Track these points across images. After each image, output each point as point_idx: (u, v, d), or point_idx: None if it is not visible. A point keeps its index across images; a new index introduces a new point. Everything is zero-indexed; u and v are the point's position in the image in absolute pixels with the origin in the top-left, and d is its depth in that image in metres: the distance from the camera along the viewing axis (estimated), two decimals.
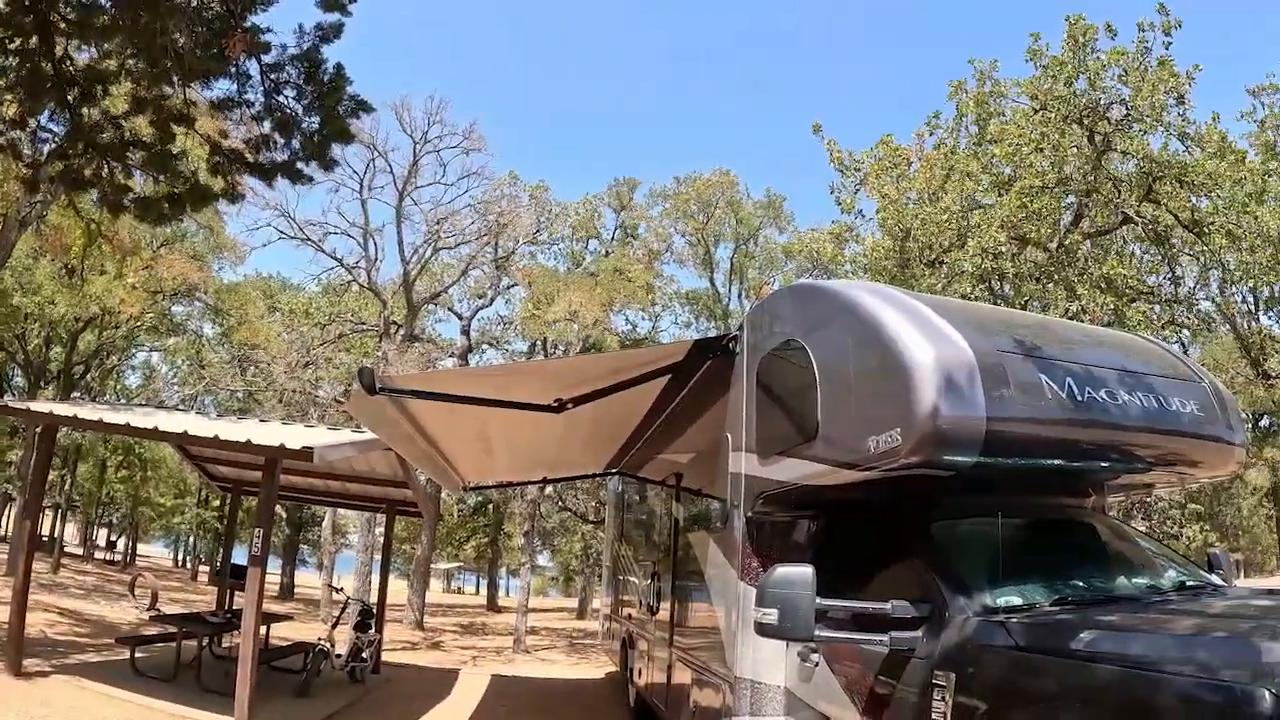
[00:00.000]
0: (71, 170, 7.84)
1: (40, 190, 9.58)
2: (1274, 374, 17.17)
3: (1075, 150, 13.91)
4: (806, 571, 4.14)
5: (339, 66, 7.57)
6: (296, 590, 37.61)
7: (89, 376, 34.88)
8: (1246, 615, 3.75)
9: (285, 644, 13.66)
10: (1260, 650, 2.87)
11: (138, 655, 11.64)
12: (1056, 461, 4.58)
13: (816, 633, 4.14)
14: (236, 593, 12.95)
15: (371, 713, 11.60)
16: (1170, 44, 13.88)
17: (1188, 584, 4.84)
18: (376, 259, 28.57)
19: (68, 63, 7.48)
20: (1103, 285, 13.42)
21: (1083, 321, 12.21)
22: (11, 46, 7.16)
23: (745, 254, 32.75)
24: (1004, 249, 13.33)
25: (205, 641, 12.32)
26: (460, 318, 30.50)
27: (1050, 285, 13.73)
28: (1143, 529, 12.27)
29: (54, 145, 7.94)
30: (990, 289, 14.28)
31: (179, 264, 26.82)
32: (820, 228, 18.57)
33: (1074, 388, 4.44)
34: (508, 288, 30.01)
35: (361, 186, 27.35)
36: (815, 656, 5.03)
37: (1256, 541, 45.10)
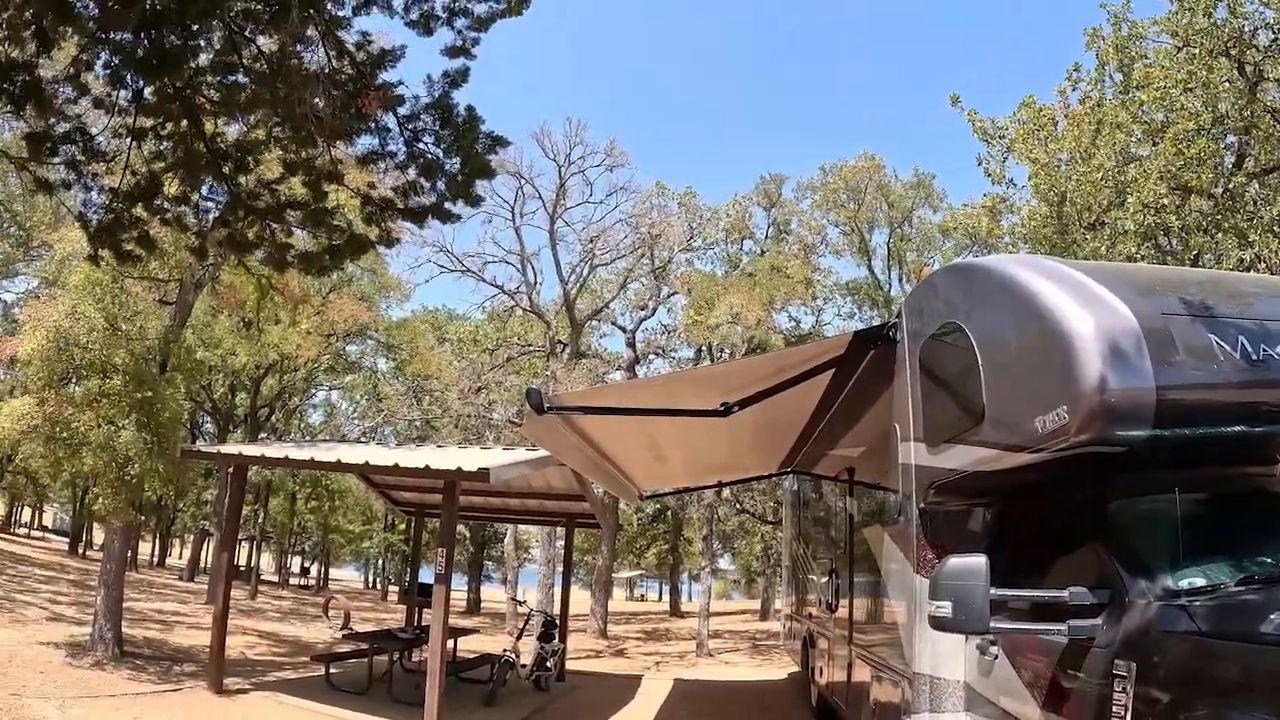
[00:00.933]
0: (235, 235, 8.44)
1: (208, 255, 10.32)
2: None
3: (1227, 85, 12.79)
4: (979, 562, 4.00)
5: (470, 108, 7.82)
6: (483, 605, 38.88)
7: (274, 418, 37.24)
8: None
9: (472, 656, 14.18)
10: None
11: (332, 671, 12.37)
12: (1236, 428, 4.15)
13: (992, 624, 3.98)
14: (424, 610, 13.49)
15: (556, 719, 11.84)
16: None
17: None
18: (536, 282, 29.41)
19: (219, 139, 8.08)
20: (1276, 229, 12.38)
21: (1258, 270, 11.40)
22: (165, 132, 7.78)
23: (901, 237, 31.73)
24: (1166, 201, 12.34)
25: (396, 656, 12.94)
26: (624, 330, 30.96)
27: (1220, 235, 12.72)
28: None
29: (216, 214, 8.61)
30: (1157, 246, 13.29)
31: (348, 307, 28.23)
32: (973, 202, 17.80)
33: (1248, 346, 4.08)
34: (668, 296, 30.25)
35: (514, 214, 28.20)
36: (994, 649, 4.85)
37: None
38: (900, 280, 31.66)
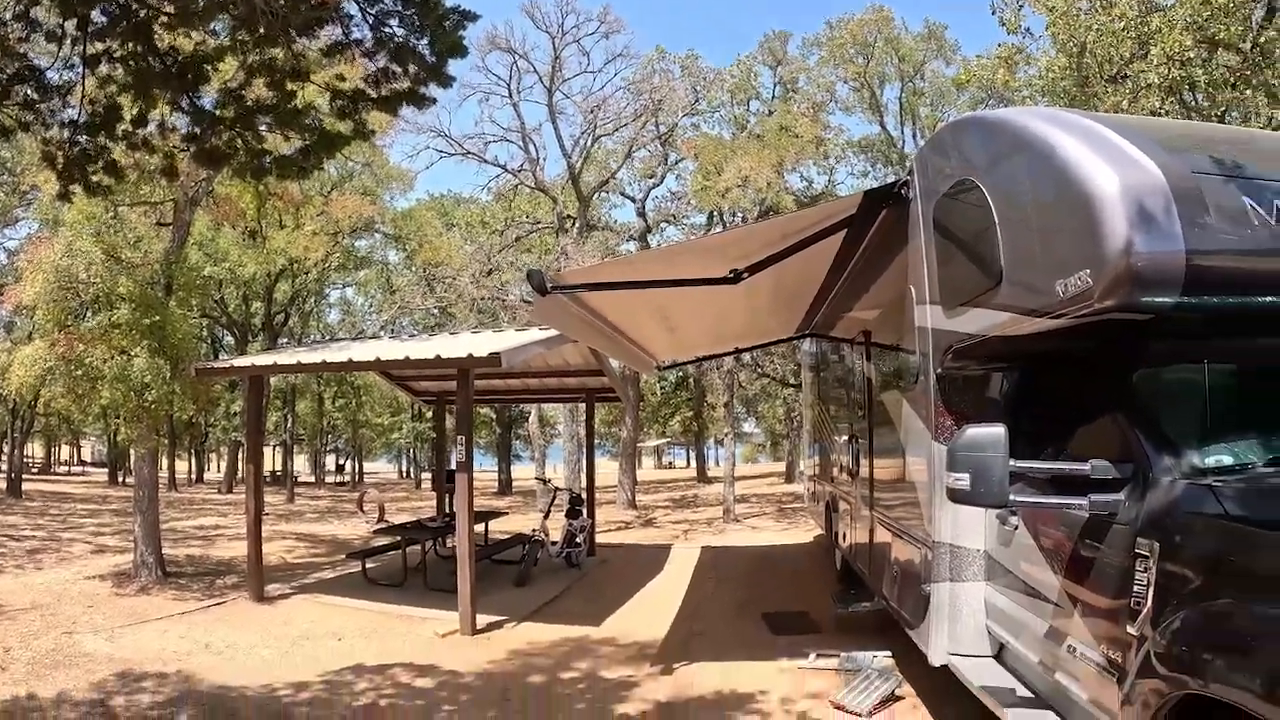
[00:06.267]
0: (205, 149, 8.13)
1: (179, 175, 9.98)
2: None
3: None
4: (998, 432, 3.83)
5: None
6: (515, 484, 39.48)
7: (290, 322, 37.18)
8: None
9: (504, 538, 14.38)
10: None
11: (369, 566, 12.59)
12: (1270, 298, 3.81)
13: (1011, 497, 3.86)
14: (454, 496, 13.64)
15: (585, 595, 12.10)
16: None
17: None
18: (539, 159, 28.87)
19: (174, 53, 7.69)
20: None
21: None
22: (118, 54, 7.40)
23: (913, 92, 30.69)
24: (1191, 54, 11.72)
25: (429, 545, 13.09)
26: (633, 200, 30.68)
27: (1249, 91, 12.10)
28: None
29: (184, 131, 8.28)
30: (1181, 101, 12.67)
31: (351, 203, 27.96)
32: (988, 54, 17.08)
33: None
34: (676, 163, 29.70)
35: (510, 91, 27.62)
36: (1014, 519, 4.79)
37: None
38: (914, 136, 30.98)
